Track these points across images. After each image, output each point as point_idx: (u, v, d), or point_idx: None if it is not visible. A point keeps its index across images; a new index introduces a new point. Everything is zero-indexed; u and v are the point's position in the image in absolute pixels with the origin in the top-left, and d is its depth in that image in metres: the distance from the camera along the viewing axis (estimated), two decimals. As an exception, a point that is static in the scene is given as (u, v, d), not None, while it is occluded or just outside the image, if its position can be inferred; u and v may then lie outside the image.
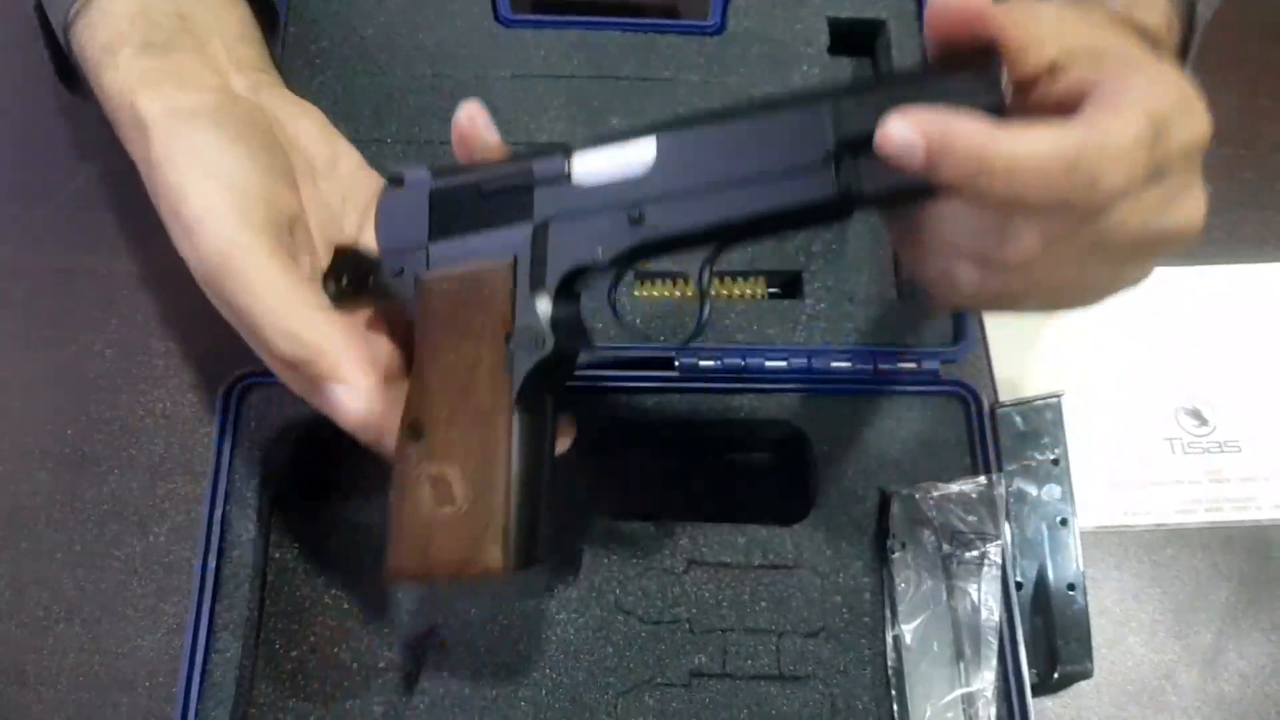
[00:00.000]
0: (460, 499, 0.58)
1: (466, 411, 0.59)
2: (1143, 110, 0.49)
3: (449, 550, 0.58)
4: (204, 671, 0.69)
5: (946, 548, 0.73)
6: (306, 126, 0.69)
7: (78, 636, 0.75)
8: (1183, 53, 0.71)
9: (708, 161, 0.56)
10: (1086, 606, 0.76)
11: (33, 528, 0.77)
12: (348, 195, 0.68)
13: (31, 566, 0.76)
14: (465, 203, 0.61)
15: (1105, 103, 0.50)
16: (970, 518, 0.73)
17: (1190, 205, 0.55)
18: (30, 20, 0.71)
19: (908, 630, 0.72)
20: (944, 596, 0.72)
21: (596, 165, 0.58)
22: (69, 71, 0.74)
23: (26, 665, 0.74)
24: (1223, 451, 0.85)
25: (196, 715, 0.68)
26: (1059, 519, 0.78)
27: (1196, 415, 0.86)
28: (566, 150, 0.59)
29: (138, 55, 0.65)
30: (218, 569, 0.71)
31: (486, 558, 0.58)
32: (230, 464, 0.73)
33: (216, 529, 0.72)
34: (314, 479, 0.77)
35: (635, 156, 0.57)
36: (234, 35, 0.71)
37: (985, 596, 0.71)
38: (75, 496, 0.78)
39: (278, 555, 0.75)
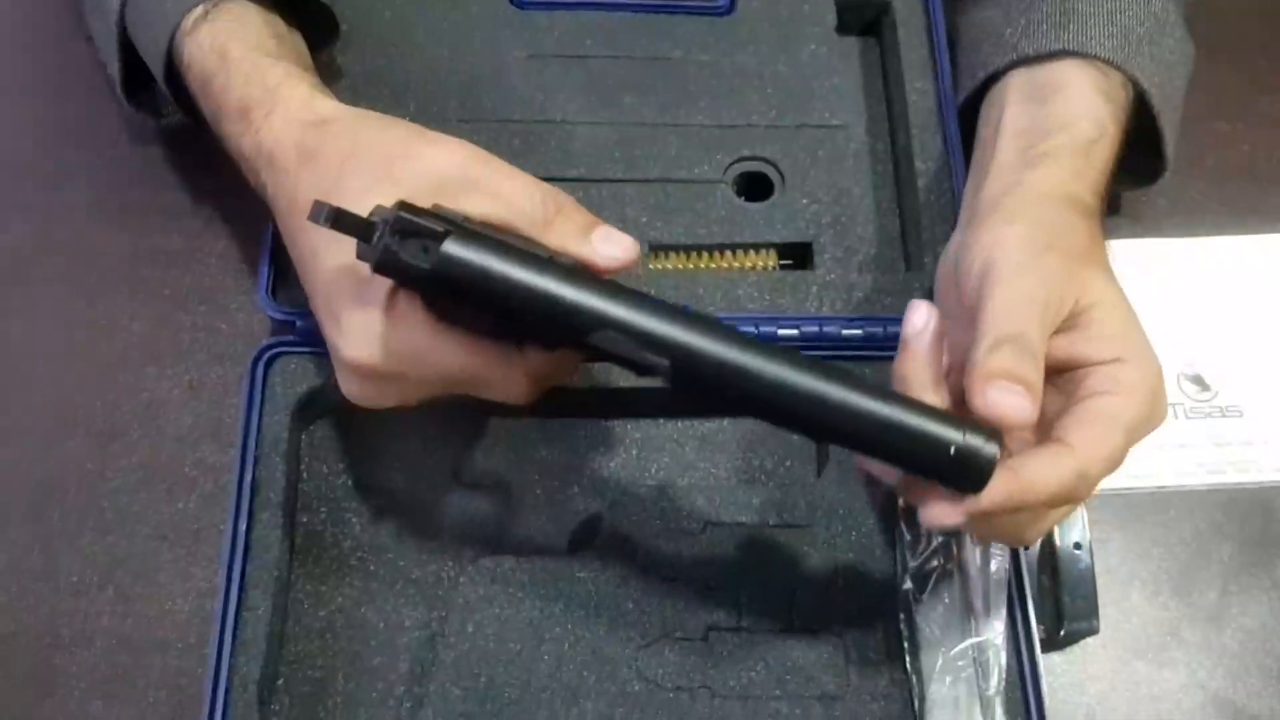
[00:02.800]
0: None
1: None
2: (1125, 429, 0.60)
3: None
4: (235, 629, 0.70)
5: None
6: None
7: (110, 601, 0.76)
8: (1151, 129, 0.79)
9: None
10: (1092, 565, 0.77)
11: (64, 497, 0.79)
12: None
13: (63, 534, 0.78)
14: None
15: (1095, 422, 0.61)
16: (978, 476, 0.75)
17: None
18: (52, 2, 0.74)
19: (919, 583, 0.74)
20: (954, 550, 0.74)
21: None
22: (137, 85, 0.79)
23: (62, 629, 0.76)
24: (1224, 416, 0.86)
25: (229, 671, 0.70)
26: (1065, 480, 0.79)
27: (1198, 381, 0.87)
28: None
29: (311, 81, 0.70)
30: (248, 531, 0.72)
31: None
32: (259, 430, 0.75)
33: (246, 492, 0.73)
34: (341, 445, 0.79)
35: None
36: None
37: (994, 549, 0.73)
38: (105, 466, 0.80)
39: (305, 519, 0.77)
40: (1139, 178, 0.84)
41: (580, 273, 0.58)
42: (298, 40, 0.77)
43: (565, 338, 0.59)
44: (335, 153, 0.63)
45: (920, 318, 0.63)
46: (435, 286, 0.57)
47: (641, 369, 0.58)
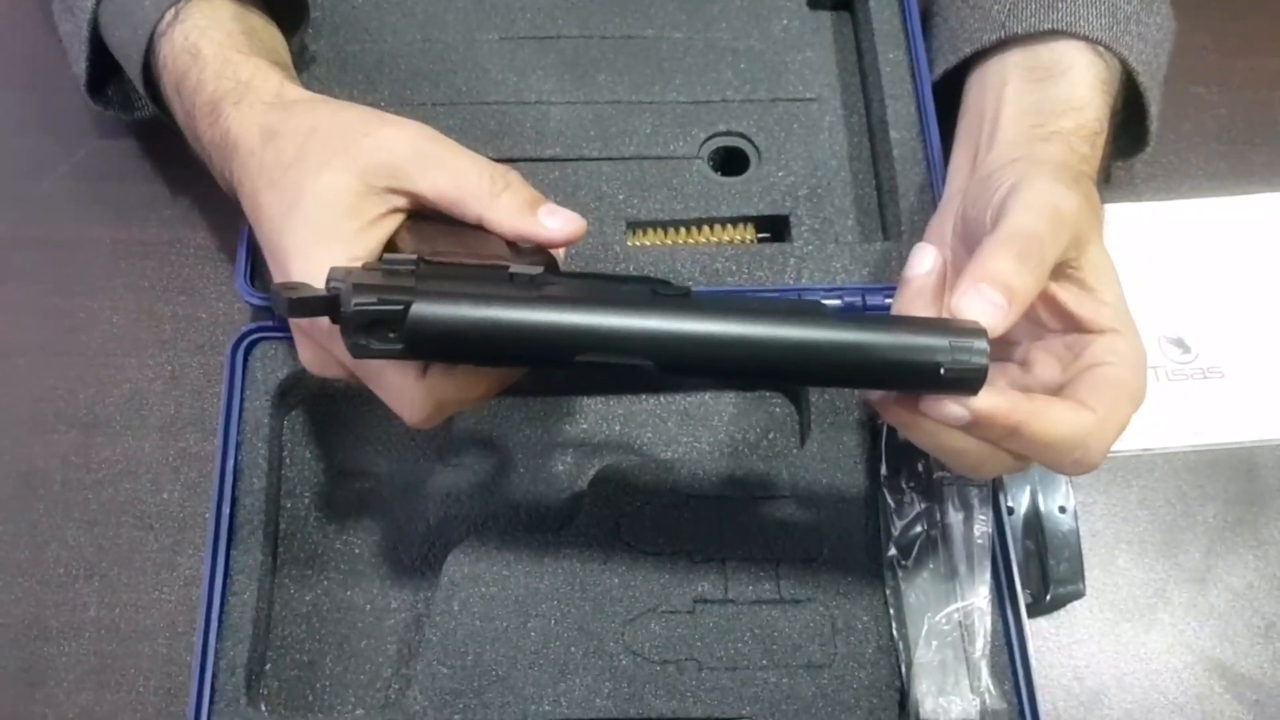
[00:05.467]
0: None
1: None
2: (1131, 399, 0.61)
3: None
4: (221, 616, 0.71)
5: (938, 472, 0.75)
6: None
7: (97, 591, 0.77)
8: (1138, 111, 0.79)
9: None
10: (1077, 528, 0.78)
11: (48, 489, 0.79)
12: None
13: (48, 526, 0.78)
14: None
15: (1110, 389, 0.61)
16: (960, 442, 0.75)
17: None
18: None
19: (903, 550, 0.74)
20: (937, 517, 0.74)
21: None
22: (101, 82, 0.80)
23: (49, 620, 0.76)
24: (1206, 378, 0.87)
25: (216, 657, 0.70)
26: (1047, 445, 0.80)
27: (1179, 344, 0.88)
28: None
29: (283, 71, 0.71)
30: (232, 516, 0.73)
31: None
32: (240, 416, 0.75)
33: (229, 479, 0.74)
34: (323, 429, 0.79)
35: None
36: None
37: (977, 516, 0.73)
38: (89, 458, 0.80)
39: (289, 504, 0.77)
40: (1121, 151, 0.84)
41: (549, 295, 0.54)
42: (272, 33, 0.76)
43: (549, 363, 0.60)
44: (296, 131, 0.65)
45: (927, 259, 0.64)
46: (415, 356, 0.55)
47: (628, 370, 0.56)
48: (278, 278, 0.64)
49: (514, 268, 0.57)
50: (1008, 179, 0.64)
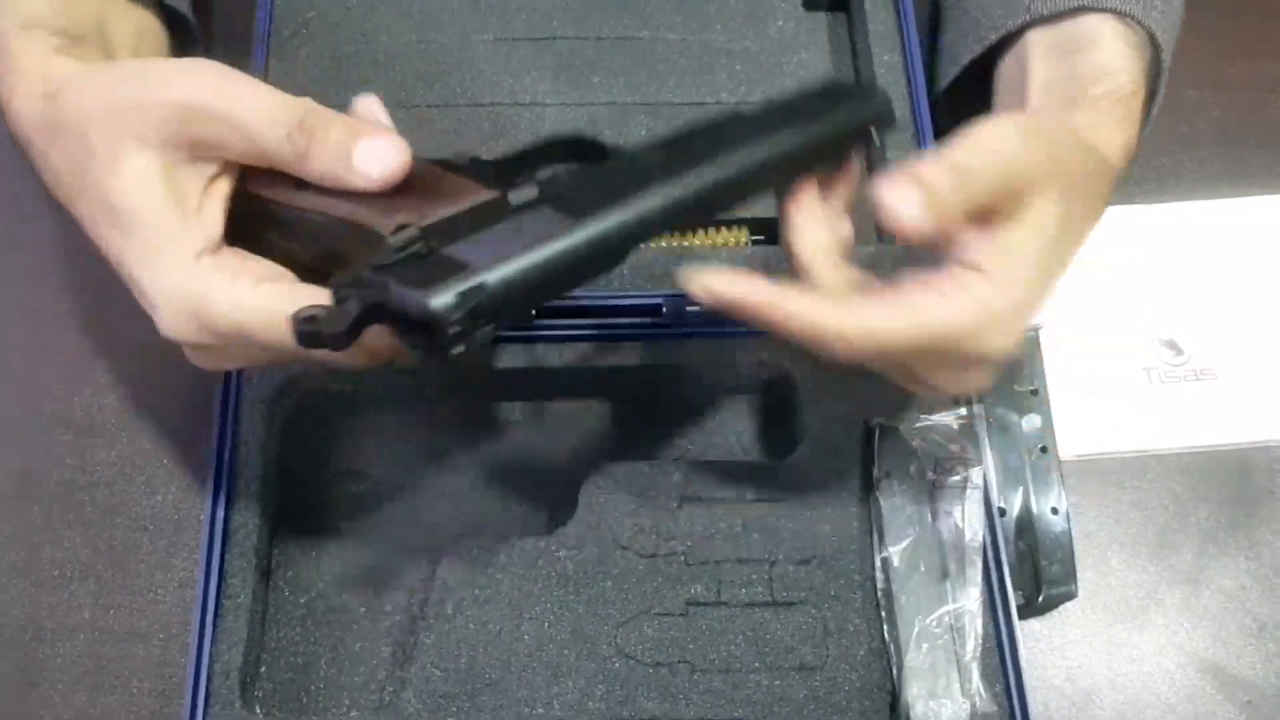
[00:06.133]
0: None
1: None
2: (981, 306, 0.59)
3: None
4: (216, 618, 0.71)
5: (930, 474, 0.75)
6: None
7: (92, 593, 0.77)
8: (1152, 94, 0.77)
9: None
10: (1070, 530, 0.78)
11: (44, 490, 0.79)
12: None
13: (44, 528, 0.78)
14: None
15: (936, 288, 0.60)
16: (952, 446, 0.75)
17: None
18: None
19: (895, 553, 0.74)
20: (929, 520, 0.75)
21: None
22: None
23: (44, 622, 0.76)
24: (1199, 379, 0.87)
25: (210, 659, 0.70)
26: (1040, 447, 0.80)
27: (1172, 345, 0.88)
28: None
29: (54, 35, 0.62)
30: (226, 519, 0.73)
31: None
32: (235, 419, 0.76)
33: (224, 481, 0.74)
34: (317, 431, 0.80)
35: None
36: (146, 54, 0.71)
37: (969, 518, 0.74)
38: (85, 460, 0.80)
39: (284, 507, 0.77)
40: None
41: (581, 212, 0.53)
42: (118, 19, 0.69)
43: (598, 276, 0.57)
44: (74, 124, 0.57)
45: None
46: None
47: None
48: (139, 299, 0.59)
49: (512, 197, 0.55)
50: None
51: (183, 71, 0.57)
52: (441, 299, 0.47)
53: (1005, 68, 0.79)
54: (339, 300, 0.50)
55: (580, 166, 0.62)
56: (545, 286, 0.51)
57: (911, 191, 0.57)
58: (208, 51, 0.83)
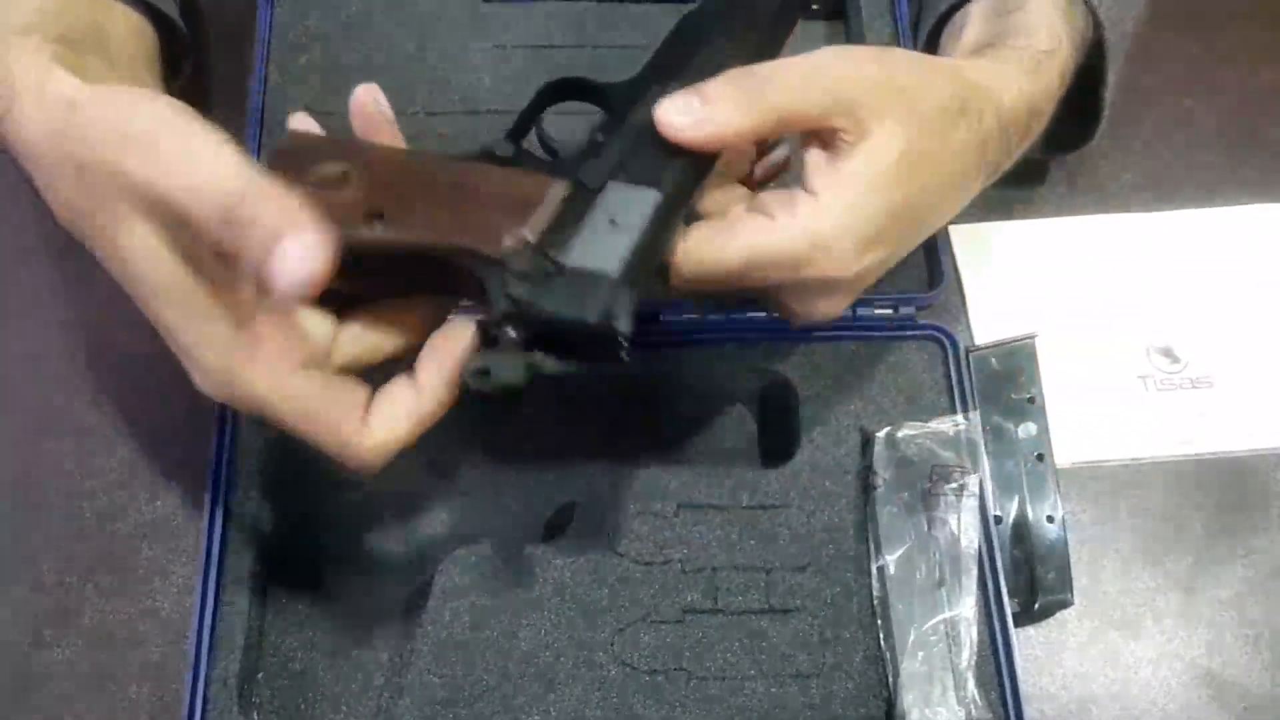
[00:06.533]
0: None
1: None
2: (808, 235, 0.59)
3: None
4: (214, 625, 0.71)
5: (926, 482, 0.75)
6: None
7: (91, 598, 0.77)
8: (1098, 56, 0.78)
9: None
10: (1065, 537, 0.78)
11: (44, 497, 0.80)
12: None
13: (44, 533, 0.79)
14: None
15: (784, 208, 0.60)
16: (948, 454, 0.76)
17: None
18: None
19: (890, 560, 0.74)
20: (925, 527, 0.75)
21: None
22: None
23: (42, 628, 0.76)
24: (1195, 388, 0.87)
25: (209, 666, 0.71)
26: (1036, 454, 0.80)
27: (1168, 353, 0.88)
28: None
29: (52, 42, 0.61)
30: (225, 526, 0.73)
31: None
32: (234, 427, 0.76)
33: (222, 489, 0.74)
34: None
35: None
36: (141, 59, 0.72)
37: (965, 526, 0.74)
38: (85, 466, 0.81)
39: (282, 514, 0.77)
40: (1071, 139, 0.84)
41: (658, 184, 0.57)
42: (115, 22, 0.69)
43: None
44: (64, 168, 0.55)
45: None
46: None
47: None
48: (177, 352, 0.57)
49: (582, 175, 0.58)
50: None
51: (137, 142, 0.53)
52: (621, 321, 0.52)
53: (946, 38, 0.81)
54: (490, 340, 0.53)
55: (603, 125, 0.62)
56: (658, 260, 0.56)
57: (691, 100, 0.58)
58: (202, 54, 0.83)
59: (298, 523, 0.77)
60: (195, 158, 0.51)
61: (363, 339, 0.59)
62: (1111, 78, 0.80)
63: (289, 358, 0.56)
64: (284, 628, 0.75)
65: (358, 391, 0.58)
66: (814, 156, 0.62)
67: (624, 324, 0.52)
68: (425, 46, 0.88)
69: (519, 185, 0.57)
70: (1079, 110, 0.80)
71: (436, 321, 0.60)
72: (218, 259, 0.53)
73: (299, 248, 0.49)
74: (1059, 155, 0.87)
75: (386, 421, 0.57)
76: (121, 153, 0.52)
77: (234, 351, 0.55)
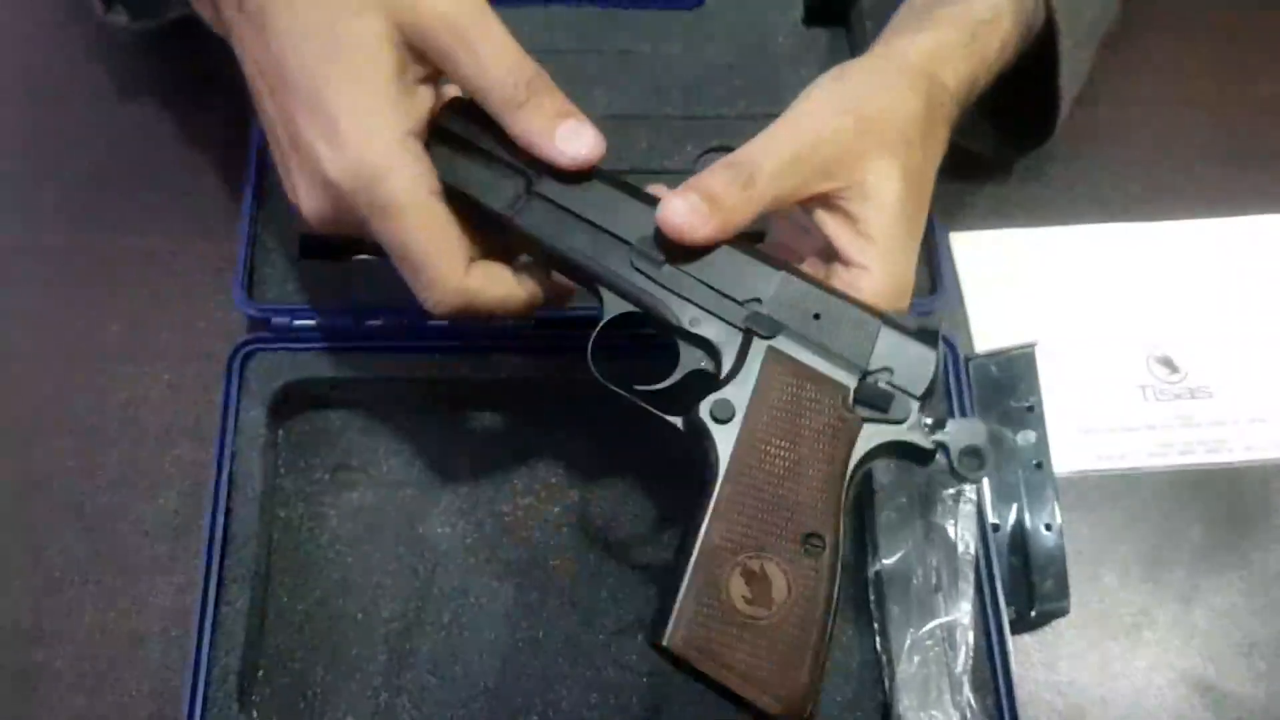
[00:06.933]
0: (776, 608, 0.56)
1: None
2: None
3: (742, 657, 0.56)
4: (215, 623, 0.72)
5: (924, 487, 0.75)
6: None
7: (92, 595, 0.77)
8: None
9: None
10: (1063, 546, 0.78)
11: (46, 495, 0.80)
12: None
13: (45, 531, 0.79)
14: None
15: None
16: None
17: None
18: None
19: (888, 564, 0.74)
20: (922, 532, 0.75)
21: None
22: None
23: (44, 624, 0.77)
24: (1194, 398, 0.87)
25: (209, 664, 0.71)
26: (1034, 463, 0.81)
27: (1168, 363, 0.88)
28: None
29: None
30: (226, 525, 0.74)
31: (782, 688, 0.55)
32: (236, 425, 0.76)
33: (224, 487, 0.75)
34: (317, 440, 0.80)
35: None
36: None
37: (962, 531, 0.74)
38: (86, 464, 0.81)
39: (283, 514, 0.78)
40: (1035, 134, 0.85)
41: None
42: None
43: None
44: None
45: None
46: None
47: None
48: (312, 131, 0.60)
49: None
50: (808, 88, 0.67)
51: None
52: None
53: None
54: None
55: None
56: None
57: (696, 202, 0.62)
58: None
59: (298, 523, 0.78)
60: (506, 33, 0.62)
61: (492, 277, 0.64)
62: (1069, 66, 0.79)
63: (434, 182, 0.61)
64: (283, 627, 0.76)
65: (465, 252, 0.63)
66: (834, 227, 0.65)
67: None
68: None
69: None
70: (1039, 105, 0.81)
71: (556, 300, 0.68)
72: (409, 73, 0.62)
73: (587, 131, 0.63)
74: (1019, 154, 0.88)
75: (483, 277, 0.63)
76: None
77: (404, 154, 0.60)
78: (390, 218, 0.60)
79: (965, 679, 0.71)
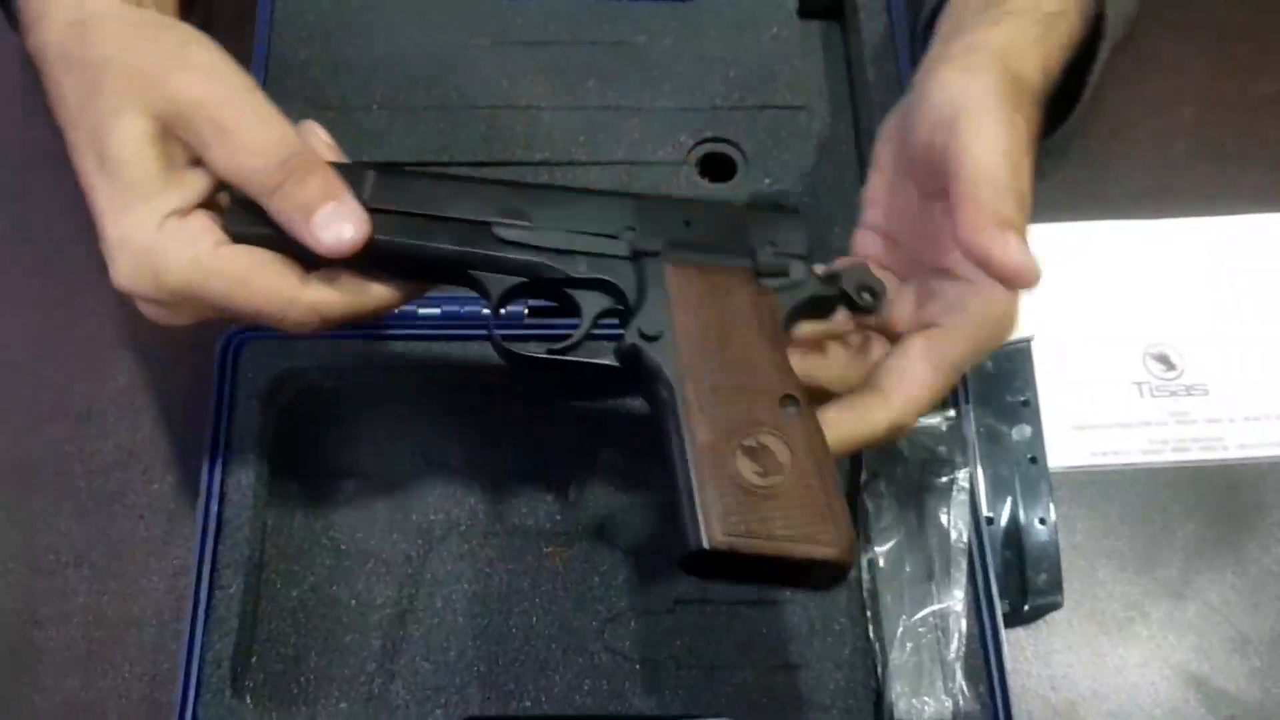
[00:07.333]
0: (787, 471, 0.57)
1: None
2: (953, 369, 0.64)
3: (779, 525, 0.56)
4: (209, 607, 0.72)
5: (917, 476, 0.75)
6: None
7: (87, 579, 0.78)
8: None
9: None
10: (1057, 540, 0.78)
11: (41, 479, 0.80)
12: None
13: (41, 515, 0.79)
14: None
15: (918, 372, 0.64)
16: (940, 448, 0.76)
17: None
18: None
19: (881, 553, 0.75)
20: (915, 521, 0.75)
21: None
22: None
23: (38, 607, 0.77)
24: (1189, 394, 0.87)
25: (203, 648, 0.71)
26: (1029, 457, 0.81)
27: (1164, 360, 0.88)
28: None
29: None
30: (220, 511, 0.74)
31: (825, 535, 0.56)
32: (230, 413, 0.76)
33: (218, 473, 0.75)
34: (310, 427, 0.80)
35: None
36: None
37: (955, 519, 0.74)
38: (82, 449, 0.81)
39: (276, 500, 0.78)
40: (1051, 121, 0.83)
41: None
42: None
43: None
44: (91, 63, 0.59)
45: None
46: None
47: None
48: (101, 244, 0.60)
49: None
50: (941, 101, 0.64)
51: (204, 72, 0.59)
52: None
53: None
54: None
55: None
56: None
57: (1010, 238, 0.58)
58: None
59: (292, 509, 0.78)
60: (264, 110, 0.59)
61: (333, 280, 0.61)
62: (1102, 56, 0.78)
63: (214, 237, 0.59)
64: (278, 613, 0.75)
65: (291, 264, 0.60)
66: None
67: None
68: (424, 42, 0.88)
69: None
70: (1061, 90, 0.80)
71: (404, 298, 0.64)
72: (176, 156, 0.59)
73: (345, 214, 0.58)
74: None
75: (325, 283, 0.60)
76: (171, 68, 0.58)
77: (168, 235, 0.58)
78: (195, 290, 0.59)
79: (958, 666, 0.71)
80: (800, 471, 0.57)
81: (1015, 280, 0.58)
